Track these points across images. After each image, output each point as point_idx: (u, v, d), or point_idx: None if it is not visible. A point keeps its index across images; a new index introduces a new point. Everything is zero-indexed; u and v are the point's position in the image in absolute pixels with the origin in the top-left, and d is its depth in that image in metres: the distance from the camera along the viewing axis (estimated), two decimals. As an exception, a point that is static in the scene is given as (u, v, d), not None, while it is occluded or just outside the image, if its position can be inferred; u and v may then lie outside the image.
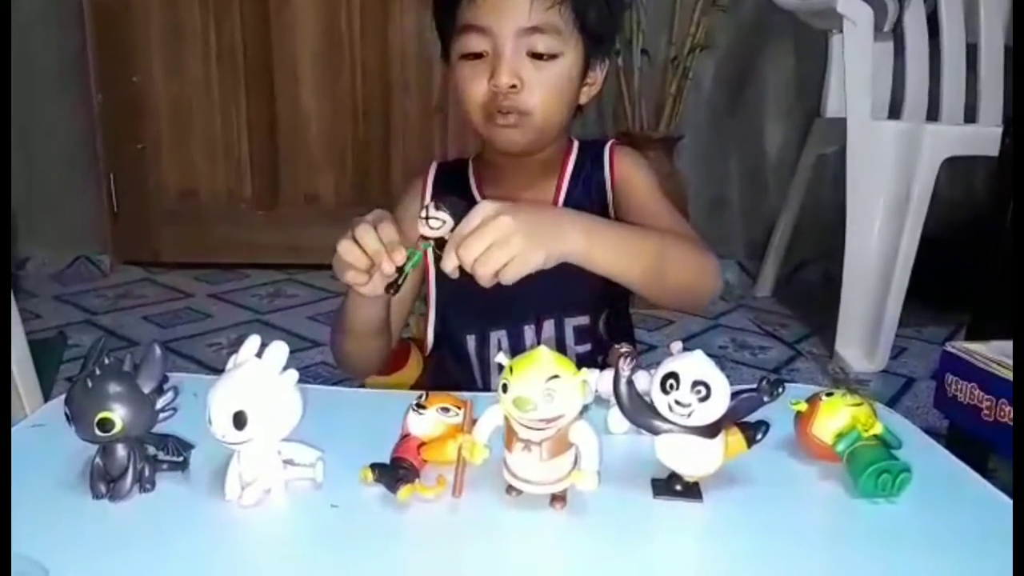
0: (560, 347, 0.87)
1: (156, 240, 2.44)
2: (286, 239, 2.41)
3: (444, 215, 0.64)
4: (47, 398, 1.10)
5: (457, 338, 0.90)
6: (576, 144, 0.92)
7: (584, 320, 0.88)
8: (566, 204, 0.88)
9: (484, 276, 0.62)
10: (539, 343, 0.86)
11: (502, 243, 0.61)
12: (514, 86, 0.78)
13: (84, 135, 2.34)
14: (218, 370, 1.78)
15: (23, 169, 2.23)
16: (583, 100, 0.87)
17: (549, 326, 0.87)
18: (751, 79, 2.41)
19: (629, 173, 0.89)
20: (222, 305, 2.12)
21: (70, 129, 2.33)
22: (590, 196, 0.88)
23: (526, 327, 0.88)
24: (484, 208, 0.63)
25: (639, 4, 2.07)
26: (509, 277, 0.63)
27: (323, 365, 1.69)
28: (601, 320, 0.89)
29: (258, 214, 2.44)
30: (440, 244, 0.64)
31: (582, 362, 0.89)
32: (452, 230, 0.64)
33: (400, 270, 0.66)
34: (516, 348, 0.87)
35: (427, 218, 0.64)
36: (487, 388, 0.89)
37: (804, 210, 2.22)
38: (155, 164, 2.42)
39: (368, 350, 0.84)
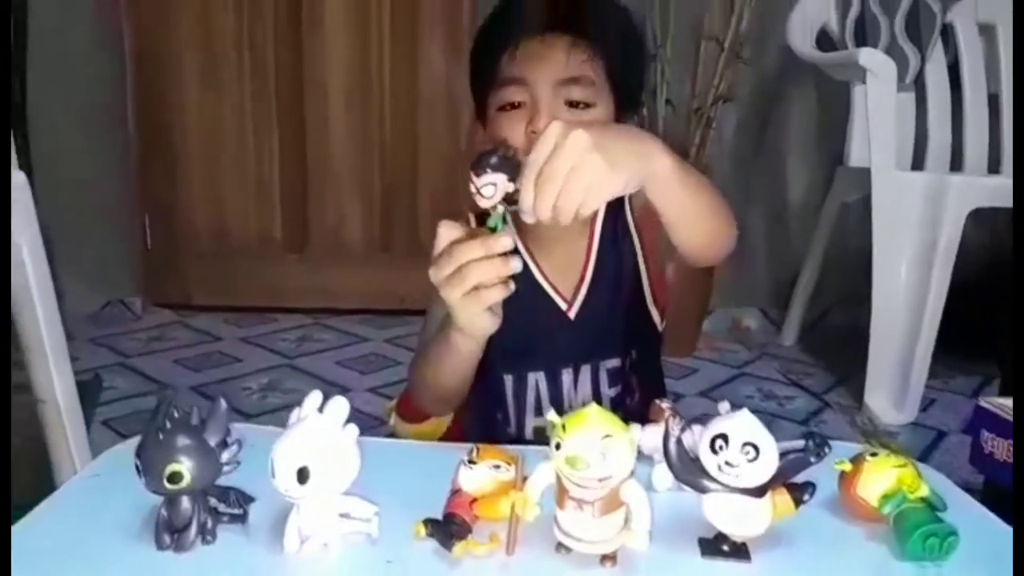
0: (595, 390, 0.89)
1: (187, 283, 2.49)
2: (315, 282, 2.45)
3: (494, 176, 0.59)
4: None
5: (495, 376, 0.91)
6: None
7: (616, 362, 0.90)
8: (599, 247, 0.90)
9: (567, 211, 0.58)
10: (576, 387, 0.89)
11: (580, 166, 0.57)
12: None
13: (119, 179, 2.40)
14: (249, 415, 1.78)
15: (59, 211, 2.28)
16: None
17: (586, 370, 0.89)
18: (773, 128, 2.44)
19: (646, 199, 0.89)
20: (252, 349, 2.15)
21: (106, 174, 2.40)
22: (617, 241, 0.90)
23: (564, 371, 0.89)
24: (555, 129, 0.59)
25: (663, 56, 2.13)
26: (590, 207, 0.59)
27: (353, 411, 1.70)
28: (628, 361, 0.91)
29: (288, 257, 2.49)
30: (509, 200, 0.60)
31: (615, 405, 0.91)
32: (511, 181, 0.59)
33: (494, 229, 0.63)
34: (553, 391, 0.90)
35: (478, 190, 0.59)
36: (520, 428, 0.91)
37: (828, 258, 2.23)
38: (188, 208, 2.48)
39: (464, 386, 0.81)
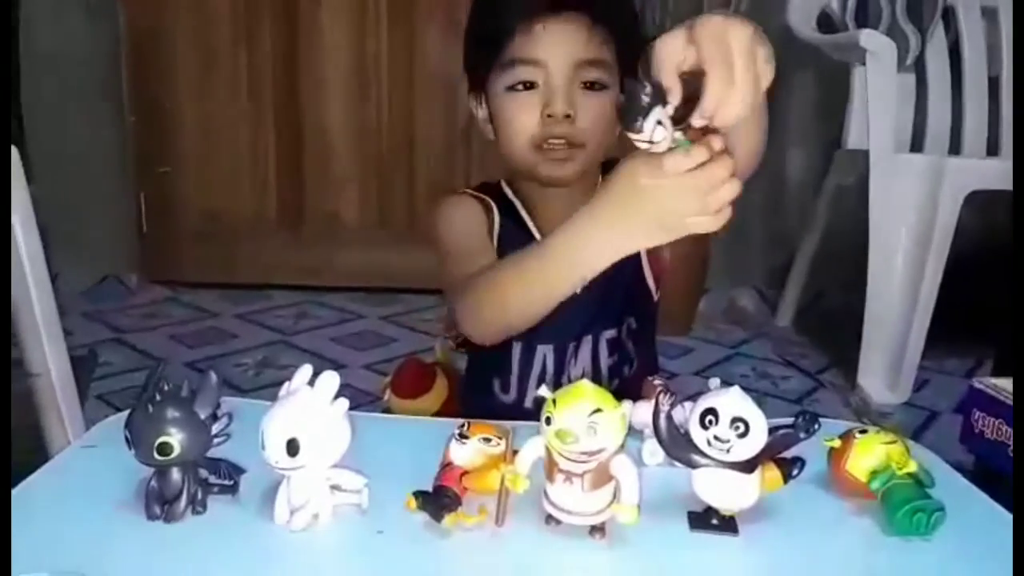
0: (595, 361, 0.90)
1: (182, 259, 2.48)
2: (310, 260, 2.44)
3: (656, 114, 0.52)
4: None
5: (503, 344, 0.88)
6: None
7: (613, 332, 0.91)
8: None
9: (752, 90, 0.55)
10: (576, 359, 0.90)
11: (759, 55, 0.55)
12: (569, 115, 0.80)
13: (115, 157, 2.39)
14: (244, 391, 1.78)
15: (56, 189, 2.28)
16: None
17: (587, 341, 0.90)
18: (772, 109, 2.40)
19: None
20: (247, 325, 2.14)
21: (102, 151, 2.38)
22: None
23: (570, 344, 0.90)
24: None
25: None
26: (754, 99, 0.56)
27: (348, 387, 1.70)
28: (626, 329, 0.92)
29: (283, 234, 2.48)
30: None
31: (612, 374, 0.90)
32: (665, 106, 0.53)
33: None
34: (560, 363, 0.90)
35: (649, 140, 0.53)
36: (521, 397, 0.91)
37: (824, 240, 2.23)
38: (183, 185, 2.46)
39: (539, 317, 0.76)
